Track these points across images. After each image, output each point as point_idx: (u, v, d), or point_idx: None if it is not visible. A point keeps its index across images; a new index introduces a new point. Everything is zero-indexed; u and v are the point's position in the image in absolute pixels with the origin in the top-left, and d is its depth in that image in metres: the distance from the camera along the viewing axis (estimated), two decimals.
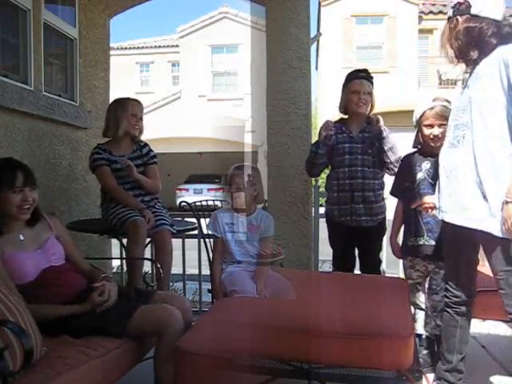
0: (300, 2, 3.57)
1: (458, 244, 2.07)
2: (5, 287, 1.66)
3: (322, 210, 3.20)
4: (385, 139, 2.84)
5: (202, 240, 3.03)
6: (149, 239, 2.95)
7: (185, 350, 1.80)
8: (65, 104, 3.59)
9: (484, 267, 2.27)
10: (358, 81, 2.91)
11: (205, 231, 2.85)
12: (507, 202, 1.77)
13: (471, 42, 1.95)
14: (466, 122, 1.94)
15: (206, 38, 16.41)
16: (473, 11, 1.94)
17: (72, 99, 3.76)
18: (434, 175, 2.36)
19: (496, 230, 1.82)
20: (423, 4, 15.02)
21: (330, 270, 3.23)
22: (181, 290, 3.92)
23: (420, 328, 2.60)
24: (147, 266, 3.60)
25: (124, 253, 2.97)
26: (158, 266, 2.58)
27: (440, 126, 2.41)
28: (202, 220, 2.93)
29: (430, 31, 14.82)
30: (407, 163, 2.66)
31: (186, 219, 3.45)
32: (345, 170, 2.89)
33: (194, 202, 2.93)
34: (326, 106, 13.46)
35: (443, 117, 2.37)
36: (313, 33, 4.06)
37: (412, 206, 2.48)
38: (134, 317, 1.91)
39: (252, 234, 2.64)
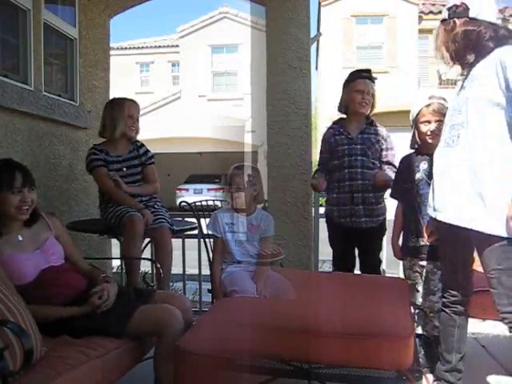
0: (300, 2, 3.57)
1: (454, 243, 2.07)
2: (5, 287, 1.66)
3: (321, 210, 3.20)
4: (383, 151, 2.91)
5: (202, 240, 3.03)
6: (148, 239, 2.96)
7: (185, 349, 1.80)
8: (65, 104, 3.59)
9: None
10: (362, 80, 2.91)
11: (205, 231, 2.85)
12: None
13: (469, 45, 1.93)
14: (461, 122, 1.94)
15: (205, 37, 16.41)
16: (471, 14, 1.92)
17: (72, 99, 3.76)
18: (432, 175, 2.36)
19: (492, 229, 1.83)
20: (423, 4, 15.02)
21: (330, 269, 3.23)
22: (181, 289, 3.92)
23: (420, 328, 2.60)
24: (147, 266, 3.60)
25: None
26: (158, 265, 2.58)
27: (437, 122, 2.41)
28: (202, 220, 2.93)
29: (430, 31, 14.78)
30: (405, 165, 2.66)
31: (186, 219, 3.45)
32: (344, 172, 2.89)
33: (194, 202, 2.93)
34: (326, 106, 13.45)
35: (440, 113, 2.37)
36: (313, 33, 4.06)
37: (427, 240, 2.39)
38: (134, 317, 1.91)
39: (252, 234, 2.64)
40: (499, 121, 1.84)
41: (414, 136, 2.57)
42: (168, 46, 19.41)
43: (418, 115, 2.50)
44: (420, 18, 14.89)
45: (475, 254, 2.09)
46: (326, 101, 13.24)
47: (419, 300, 2.61)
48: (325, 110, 13.38)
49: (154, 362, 1.96)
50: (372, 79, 2.94)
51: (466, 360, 2.15)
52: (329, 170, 2.99)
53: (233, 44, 16.37)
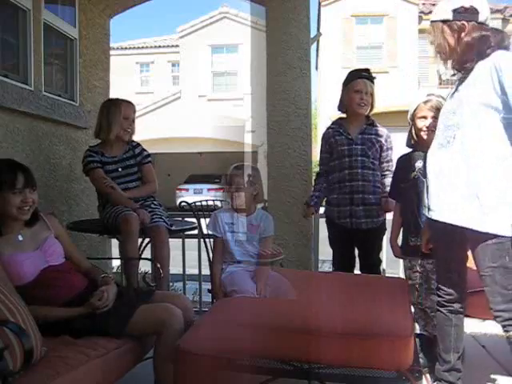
0: (300, 2, 3.57)
1: (448, 242, 2.08)
2: (5, 287, 1.66)
3: (321, 210, 3.20)
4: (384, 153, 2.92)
5: (202, 240, 3.03)
6: (148, 239, 2.96)
7: (185, 349, 1.80)
8: (65, 104, 3.59)
9: None
10: (361, 80, 2.91)
11: (205, 231, 2.85)
12: None
13: (474, 51, 1.90)
14: (456, 123, 1.93)
15: (205, 37, 16.42)
16: (480, 18, 1.89)
17: (72, 99, 3.77)
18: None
19: (487, 227, 1.83)
20: (423, 4, 15.01)
21: (330, 270, 3.23)
22: (181, 289, 3.92)
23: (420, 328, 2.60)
24: (147, 266, 3.60)
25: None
26: (158, 265, 2.58)
27: (433, 118, 2.41)
28: (202, 220, 2.93)
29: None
30: (402, 165, 2.66)
31: (186, 219, 3.45)
32: (345, 173, 2.89)
33: (194, 202, 2.93)
34: (326, 106, 13.46)
35: (437, 110, 2.36)
36: (313, 33, 4.06)
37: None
38: (134, 317, 1.91)
39: (252, 234, 2.64)
40: (494, 122, 1.84)
41: (410, 132, 2.58)
42: (168, 46, 19.42)
43: (415, 110, 2.51)
44: (420, 18, 14.88)
45: (468, 253, 2.10)
46: (326, 101, 13.25)
47: (419, 300, 2.61)
48: (325, 110, 13.39)
49: (154, 362, 1.96)
50: (371, 79, 2.94)
51: (466, 360, 2.16)
52: (329, 170, 2.99)
53: (233, 44, 16.38)
